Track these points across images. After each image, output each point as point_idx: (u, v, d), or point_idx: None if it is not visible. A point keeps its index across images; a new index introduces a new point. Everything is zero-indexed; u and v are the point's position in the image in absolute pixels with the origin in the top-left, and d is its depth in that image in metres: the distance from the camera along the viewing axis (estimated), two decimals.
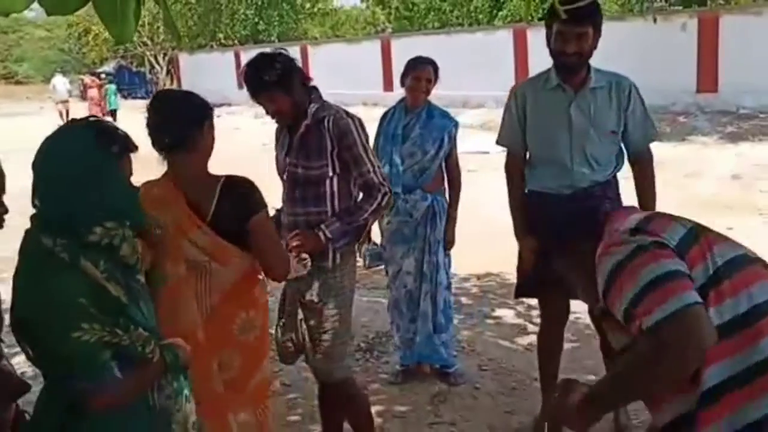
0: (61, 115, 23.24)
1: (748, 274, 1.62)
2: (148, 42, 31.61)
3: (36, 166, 1.73)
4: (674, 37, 13.62)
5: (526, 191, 3.36)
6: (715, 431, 1.57)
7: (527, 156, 3.35)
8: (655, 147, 3.35)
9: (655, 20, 10.96)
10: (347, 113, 2.96)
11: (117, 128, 1.83)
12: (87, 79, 26.87)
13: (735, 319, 1.57)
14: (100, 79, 26.35)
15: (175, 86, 31.09)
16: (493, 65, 17.38)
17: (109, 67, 34.51)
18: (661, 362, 1.51)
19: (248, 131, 17.72)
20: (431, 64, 3.98)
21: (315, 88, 2.97)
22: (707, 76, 14.36)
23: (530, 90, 3.30)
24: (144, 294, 1.88)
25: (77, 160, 1.70)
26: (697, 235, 1.67)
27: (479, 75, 17.38)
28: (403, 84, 4.00)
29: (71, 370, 1.66)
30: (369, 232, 4.19)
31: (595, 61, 3.17)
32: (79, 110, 25.31)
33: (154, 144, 2.30)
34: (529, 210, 3.32)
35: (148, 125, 2.29)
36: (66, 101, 23.46)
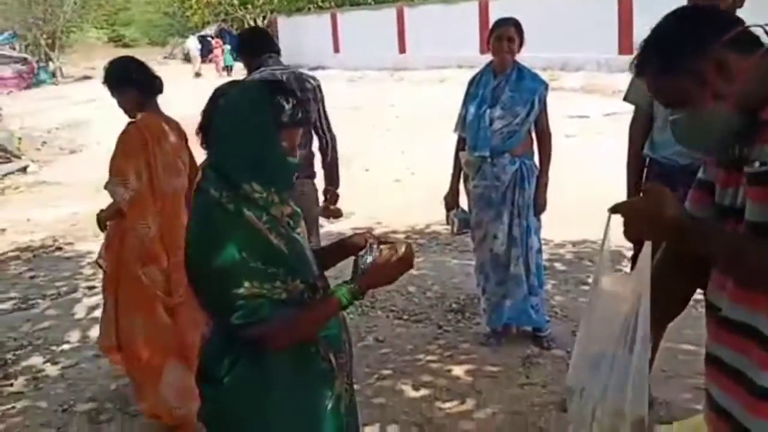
0: (195, 69, 28.57)
1: None
2: (249, 5, 32.13)
3: (208, 115, 1.77)
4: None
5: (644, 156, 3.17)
6: None
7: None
8: None
9: None
10: None
11: (292, 98, 1.76)
12: (214, 41, 31.39)
13: None
14: (223, 41, 30.96)
15: None
16: (595, 27, 16.77)
17: (210, 30, 35.27)
18: None
19: (339, 95, 17.96)
20: (514, 23, 3.91)
21: None
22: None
23: None
24: (306, 246, 1.90)
25: (243, 120, 1.72)
26: None
27: (580, 36, 16.83)
28: (488, 46, 3.95)
29: (230, 320, 1.70)
30: (457, 197, 4.20)
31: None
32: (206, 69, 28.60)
33: None
34: (647, 176, 3.16)
35: None
36: (198, 59, 29.57)
